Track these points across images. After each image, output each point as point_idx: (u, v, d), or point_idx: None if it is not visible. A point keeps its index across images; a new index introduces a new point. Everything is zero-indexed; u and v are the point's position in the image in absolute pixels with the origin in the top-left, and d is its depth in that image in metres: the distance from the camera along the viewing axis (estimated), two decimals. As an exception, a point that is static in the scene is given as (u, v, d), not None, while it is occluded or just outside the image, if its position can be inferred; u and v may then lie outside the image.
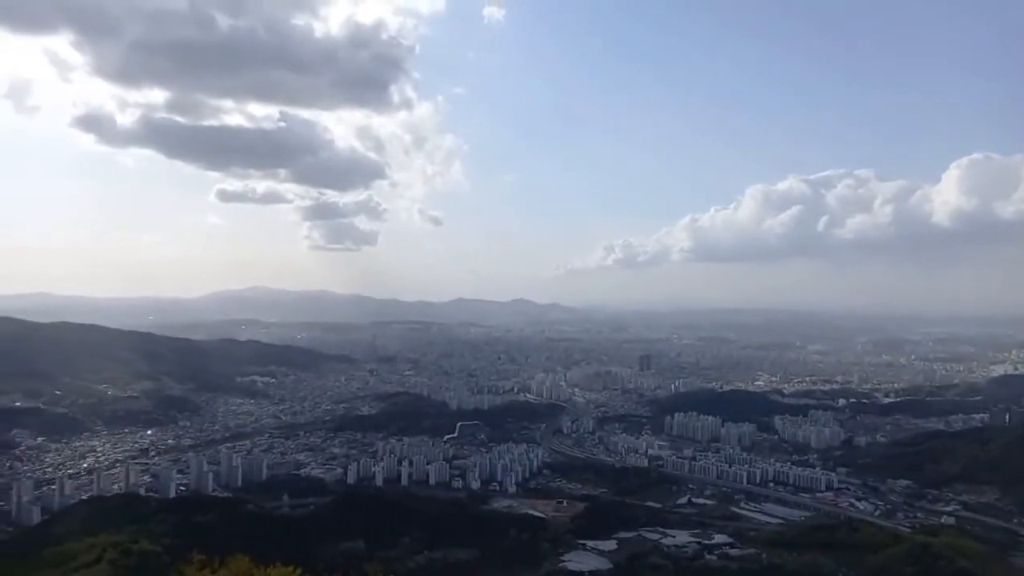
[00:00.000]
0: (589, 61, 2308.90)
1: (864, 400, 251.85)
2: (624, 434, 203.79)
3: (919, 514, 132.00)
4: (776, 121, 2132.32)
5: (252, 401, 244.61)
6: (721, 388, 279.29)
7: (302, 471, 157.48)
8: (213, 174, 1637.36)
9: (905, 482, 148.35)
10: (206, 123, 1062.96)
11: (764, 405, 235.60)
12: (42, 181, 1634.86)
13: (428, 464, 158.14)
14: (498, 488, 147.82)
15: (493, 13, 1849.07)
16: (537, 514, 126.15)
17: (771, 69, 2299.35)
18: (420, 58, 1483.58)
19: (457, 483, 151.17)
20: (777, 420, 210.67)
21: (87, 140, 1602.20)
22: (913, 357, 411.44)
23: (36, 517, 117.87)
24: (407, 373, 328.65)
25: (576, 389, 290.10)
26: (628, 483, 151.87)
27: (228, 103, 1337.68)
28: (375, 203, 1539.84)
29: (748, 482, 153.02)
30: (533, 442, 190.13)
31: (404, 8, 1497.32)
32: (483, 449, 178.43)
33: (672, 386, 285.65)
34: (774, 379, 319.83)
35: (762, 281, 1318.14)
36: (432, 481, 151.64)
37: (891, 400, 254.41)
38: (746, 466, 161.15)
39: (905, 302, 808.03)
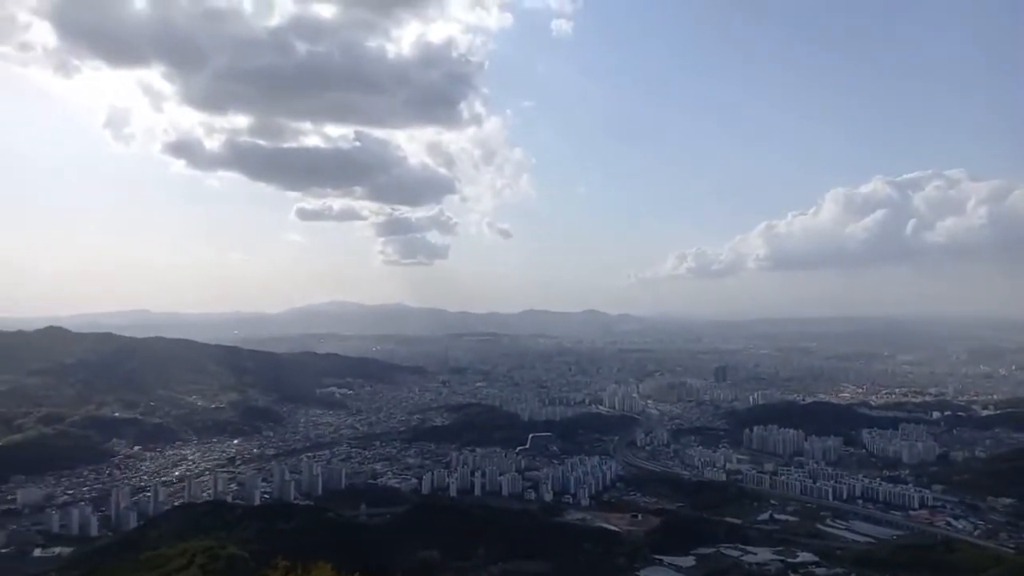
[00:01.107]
0: (656, 69, 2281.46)
1: (960, 413, 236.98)
2: (700, 447, 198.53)
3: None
4: (857, 121, 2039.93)
5: (331, 412, 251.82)
6: (803, 400, 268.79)
7: (379, 480, 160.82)
8: (293, 194, 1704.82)
9: (1008, 500, 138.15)
10: (286, 145, 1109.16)
11: (850, 418, 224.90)
12: (138, 205, 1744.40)
13: (501, 475, 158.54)
14: (571, 500, 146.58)
15: (561, 26, 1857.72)
16: (611, 528, 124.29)
17: (850, 66, 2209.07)
18: (489, 73, 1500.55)
19: (530, 495, 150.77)
20: (865, 434, 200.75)
21: (178, 165, 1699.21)
22: (1014, 367, 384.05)
23: (133, 522, 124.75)
24: (478, 384, 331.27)
25: (649, 401, 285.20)
26: (705, 497, 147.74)
27: (306, 125, 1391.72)
28: (446, 217, 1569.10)
29: (834, 498, 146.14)
30: (606, 454, 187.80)
31: (474, 26, 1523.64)
32: (555, 461, 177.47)
33: (750, 398, 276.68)
34: (860, 391, 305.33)
35: (845, 289, 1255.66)
36: (505, 492, 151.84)
37: (990, 413, 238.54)
38: (832, 481, 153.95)
39: (1001, 309, 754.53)
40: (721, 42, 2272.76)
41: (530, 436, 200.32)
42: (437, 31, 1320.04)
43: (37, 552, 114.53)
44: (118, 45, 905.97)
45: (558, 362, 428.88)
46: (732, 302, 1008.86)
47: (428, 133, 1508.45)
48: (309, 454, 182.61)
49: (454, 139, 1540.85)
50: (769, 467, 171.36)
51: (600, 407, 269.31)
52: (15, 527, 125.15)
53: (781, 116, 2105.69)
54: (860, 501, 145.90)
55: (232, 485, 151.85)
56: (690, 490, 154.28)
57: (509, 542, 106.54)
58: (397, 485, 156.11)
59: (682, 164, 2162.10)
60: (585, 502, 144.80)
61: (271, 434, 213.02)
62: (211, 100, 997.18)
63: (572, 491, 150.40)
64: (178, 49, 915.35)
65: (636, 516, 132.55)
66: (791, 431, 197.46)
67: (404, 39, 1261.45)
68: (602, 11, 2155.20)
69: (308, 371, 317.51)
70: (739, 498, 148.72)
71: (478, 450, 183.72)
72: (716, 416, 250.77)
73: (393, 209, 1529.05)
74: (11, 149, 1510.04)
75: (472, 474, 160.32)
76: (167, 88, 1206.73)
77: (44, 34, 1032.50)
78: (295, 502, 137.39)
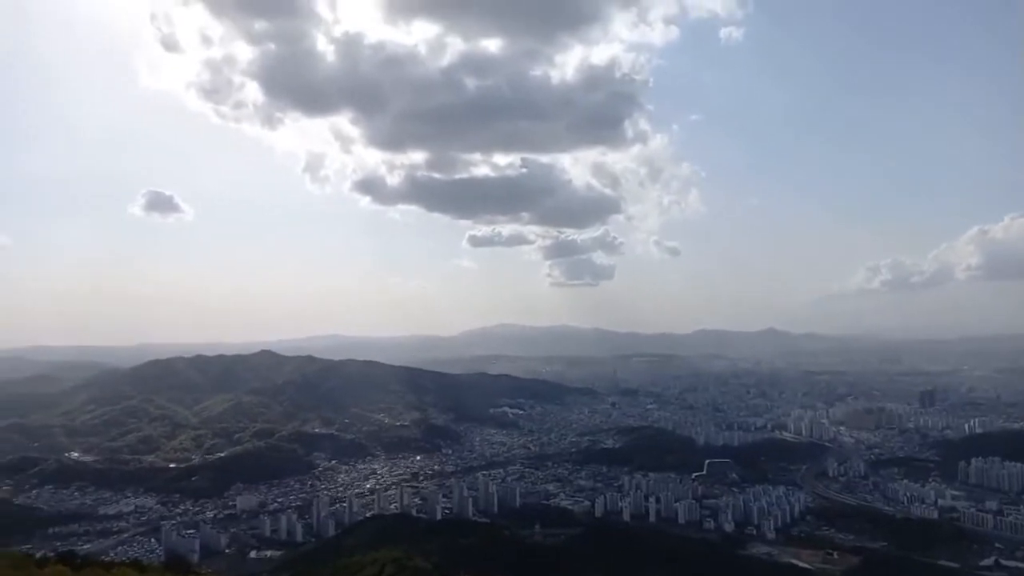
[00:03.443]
0: (835, 69, 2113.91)
1: None
2: (905, 480, 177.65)
3: None
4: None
5: (504, 432, 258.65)
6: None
7: (551, 501, 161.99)
8: (464, 222, 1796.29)
9: None
10: (458, 176, 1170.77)
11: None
12: (331, 239, 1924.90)
13: (676, 502, 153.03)
14: (754, 532, 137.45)
15: (731, 34, 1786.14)
16: (802, 565, 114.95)
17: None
18: (654, 90, 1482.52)
19: (708, 524, 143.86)
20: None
21: (364, 201, 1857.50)
22: None
23: (331, 530, 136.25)
24: (650, 407, 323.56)
25: (841, 427, 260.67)
26: (913, 537, 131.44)
27: (476, 156, 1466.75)
28: (611, 238, 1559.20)
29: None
30: (793, 484, 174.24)
31: (638, 44, 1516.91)
32: (735, 489, 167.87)
33: (965, 426, 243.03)
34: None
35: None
36: (681, 520, 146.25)
37: None
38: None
39: None
40: (911, 35, 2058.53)
41: (707, 462, 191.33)
42: (600, 53, 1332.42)
43: (253, 554, 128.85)
44: (313, 97, 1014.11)
45: (735, 384, 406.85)
46: (937, 317, 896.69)
47: (593, 154, 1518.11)
48: (484, 472, 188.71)
49: (619, 159, 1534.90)
50: (992, 505, 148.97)
51: (784, 433, 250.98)
52: (235, 530, 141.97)
53: (986, 108, 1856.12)
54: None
55: (416, 499, 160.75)
56: (894, 528, 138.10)
57: (687, 572, 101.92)
58: (570, 507, 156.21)
59: (869, 170, 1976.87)
60: (770, 535, 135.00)
61: (449, 452, 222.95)
62: (392, 140, 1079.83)
63: (755, 522, 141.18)
64: (363, 96, 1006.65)
65: (831, 554, 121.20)
66: (1019, 465, 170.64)
67: (567, 64, 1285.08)
68: (774, 14, 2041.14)
69: (482, 391, 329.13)
70: (955, 539, 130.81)
71: (651, 474, 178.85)
72: (923, 446, 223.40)
73: (559, 232, 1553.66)
74: (230, 194, 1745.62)
75: (646, 499, 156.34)
76: (354, 132, 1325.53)
77: (253, 93, 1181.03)
78: (473, 519, 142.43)
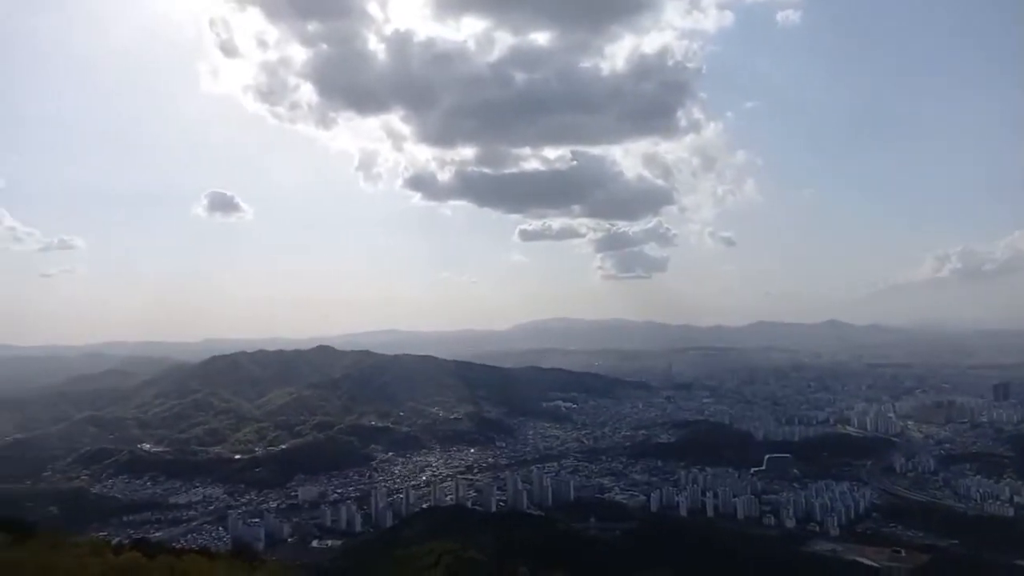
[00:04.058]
0: (896, 52, 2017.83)
1: None
2: (978, 476, 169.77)
3: None
4: None
5: (557, 425, 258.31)
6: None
7: (605, 495, 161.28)
8: (515, 216, 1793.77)
9: None
10: (507, 171, 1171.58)
11: None
12: (384, 235, 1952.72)
13: (735, 497, 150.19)
14: (817, 529, 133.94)
15: (788, 17, 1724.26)
16: (868, 562, 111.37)
17: None
18: (707, 77, 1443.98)
19: (769, 520, 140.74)
20: None
21: (415, 197, 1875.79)
22: None
23: (389, 521, 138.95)
24: (705, 400, 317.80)
25: (909, 422, 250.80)
26: (986, 535, 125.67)
27: (526, 150, 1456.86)
28: (664, 229, 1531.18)
29: None
30: (857, 480, 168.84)
31: (690, 31, 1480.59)
32: (796, 485, 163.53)
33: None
34: None
35: None
36: (740, 515, 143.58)
37: None
38: None
39: None
40: (979, 17, 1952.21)
41: (766, 457, 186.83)
42: (651, 42, 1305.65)
43: (315, 543, 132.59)
44: (365, 96, 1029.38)
45: (794, 378, 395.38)
46: (1013, 308, 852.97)
47: (644, 145, 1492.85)
48: (539, 465, 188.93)
49: (671, 149, 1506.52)
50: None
51: (847, 428, 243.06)
52: (297, 519, 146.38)
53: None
54: None
55: (471, 491, 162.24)
56: (966, 525, 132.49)
57: (748, 569, 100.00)
58: (624, 501, 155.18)
59: (936, 155, 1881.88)
60: (834, 532, 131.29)
61: (503, 445, 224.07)
62: (442, 136, 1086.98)
63: (818, 519, 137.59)
64: (413, 93, 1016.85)
65: (898, 552, 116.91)
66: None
67: (618, 54, 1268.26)
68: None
69: (534, 385, 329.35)
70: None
71: (708, 469, 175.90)
72: (997, 441, 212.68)
73: (611, 224, 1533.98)
74: (286, 194, 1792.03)
75: (703, 494, 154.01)
76: (405, 129, 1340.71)
77: (308, 93, 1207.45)
78: (528, 511, 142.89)
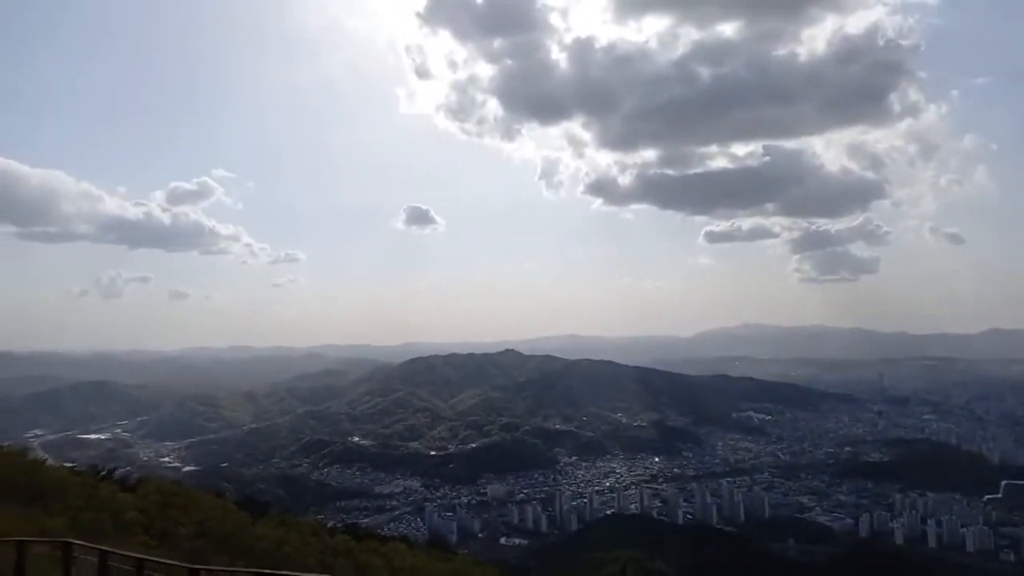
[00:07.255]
0: None
1: None
2: None
3: None
4: None
5: (749, 437, 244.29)
6: None
7: (805, 515, 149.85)
8: (700, 218, 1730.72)
9: None
10: (692, 171, 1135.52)
11: None
12: (567, 242, 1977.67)
13: (963, 527, 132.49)
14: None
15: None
16: None
17: None
18: (927, 54, 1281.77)
19: (1007, 556, 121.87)
20: None
21: (596, 203, 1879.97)
22: None
23: (574, 524, 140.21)
24: (926, 417, 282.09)
25: None
26: None
27: (712, 148, 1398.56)
28: (874, 226, 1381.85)
29: None
30: None
31: (905, 4, 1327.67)
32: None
33: None
34: None
35: None
36: (970, 548, 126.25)
37: None
38: None
39: None
40: None
41: (1003, 483, 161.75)
42: (857, 21, 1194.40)
43: (503, 540, 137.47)
44: (548, 105, 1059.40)
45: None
46: None
47: (850, 135, 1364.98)
48: (729, 479, 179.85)
49: (882, 137, 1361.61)
50: None
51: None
52: (486, 516, 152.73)
53: None
54: None
55: (656, 501, 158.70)
56: None
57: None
58: (828, 523, 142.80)
59: None
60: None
61: (689, 455, 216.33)
62: (623, 139, 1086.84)
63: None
64: (594, 99, 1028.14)
65: None
66: None
67: (817, 38, 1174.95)
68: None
69: (722, 394, 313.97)
70: None
71: (929, 494, 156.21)
72: None
73: (809, 223, 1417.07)
74: (475, 205, 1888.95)
75: (923, 521, 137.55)
76: (585, 135, 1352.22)
77: (494, 108, 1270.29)
78: (718, 527, 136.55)
